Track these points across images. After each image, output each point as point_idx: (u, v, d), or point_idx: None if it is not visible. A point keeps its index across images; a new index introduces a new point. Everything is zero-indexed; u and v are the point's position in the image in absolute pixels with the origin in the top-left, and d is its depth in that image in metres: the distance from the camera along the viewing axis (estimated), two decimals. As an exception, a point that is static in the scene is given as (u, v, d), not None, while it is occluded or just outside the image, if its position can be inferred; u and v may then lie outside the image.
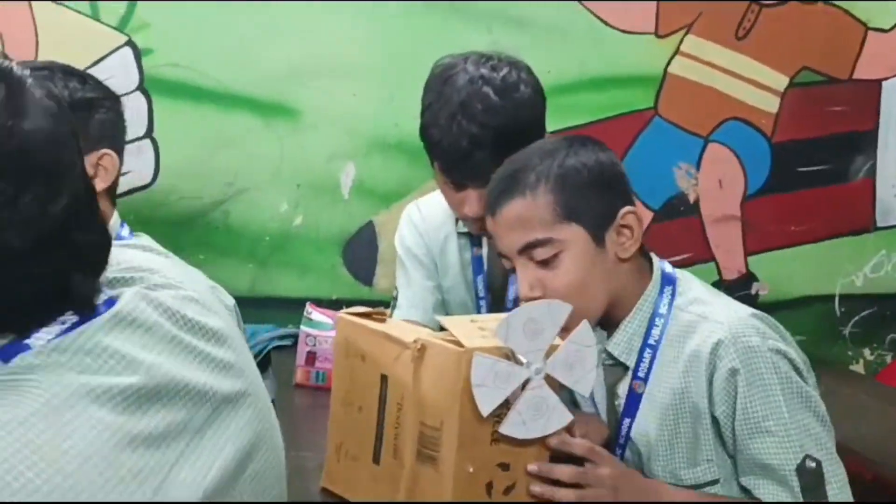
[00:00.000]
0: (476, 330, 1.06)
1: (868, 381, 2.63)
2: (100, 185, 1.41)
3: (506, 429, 1.05)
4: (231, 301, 1.43)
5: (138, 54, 2.28)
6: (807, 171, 2.58)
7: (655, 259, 1.37)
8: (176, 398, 0.75)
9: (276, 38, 2.33)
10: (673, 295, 1.32)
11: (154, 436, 0.72)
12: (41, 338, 0.71)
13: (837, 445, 1.84)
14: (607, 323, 1.34)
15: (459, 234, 1.77)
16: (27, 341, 0.71)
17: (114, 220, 1.47)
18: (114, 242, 1.04)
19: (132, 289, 0.80)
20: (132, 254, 0.87)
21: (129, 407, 0.71)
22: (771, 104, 2.54)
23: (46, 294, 0.72)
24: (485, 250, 1.74)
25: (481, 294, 1.73)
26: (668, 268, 1.36)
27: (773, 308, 2.59)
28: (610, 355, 1.33)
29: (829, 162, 2.59)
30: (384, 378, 1.06)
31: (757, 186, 2.57)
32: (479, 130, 1.49)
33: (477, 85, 1.53)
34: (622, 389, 1.33)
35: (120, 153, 1.48)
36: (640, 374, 1.31)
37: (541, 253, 1.26)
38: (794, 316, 2.61)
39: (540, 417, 1.09)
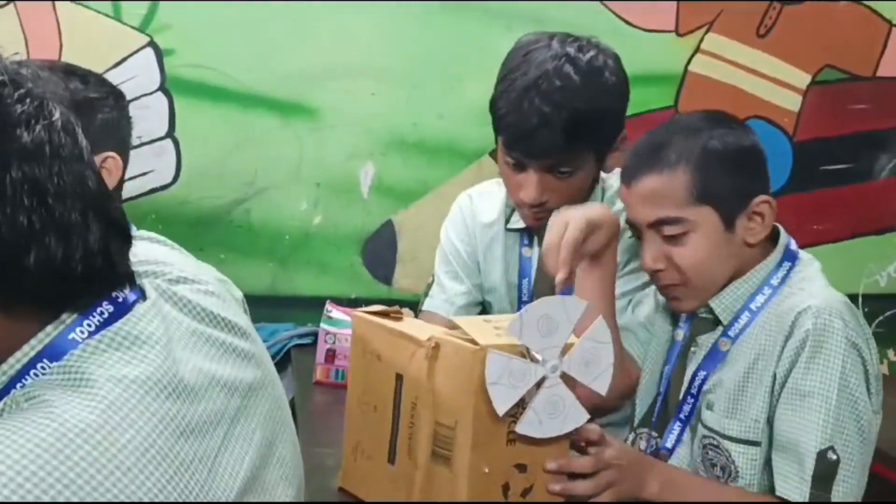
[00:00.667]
0: (491, 329, 1.05)
1: (892, 381, 2.59)
2: None
3: (522, 428, 1.04)
4: (239, 294, 1.44)
5: (160, 55, 2.29)
6: (829, 169, 2.55)
7: (783, 233, 1.38)
8: (210, 389, 0.77)
9: (295, 39, 2.33)
10: (790, 271, 1.34)
11: (199, 425, 0.74)
12: (84, 330, 0.73)
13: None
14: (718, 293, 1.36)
15: (510, 230, 1.69)
16: (71, 335, 0.73)
17: None
18: None
19: (151, 283, 0.82)
20: (146, 246, 0.90)
21: (178, 398, 0.74)
22: (793, 102, 2.52)
23: (98, 267, 0.74)
24: (535, 251, 1.65)
25: (525, 298, 1.65)
26: (794, 245, 1.39)
27: (795, 308, 2.57)
28: (710, 310, 1.35)
29: (852, 160, 2.56)
30: (399, 377, 1.05)
31: (779, 185, 2.54)
32: (552, 109, 1.42)
33: (559, 62, 1.46)
34: (705, 340, 1.35)
35: (124, 153, 1.45)
36: (731, 333, 1.33)
37: (670, 230, 1.29)
38: (817, 316, 2.58)
39: (556, 416, 1.08)
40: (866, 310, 2.61)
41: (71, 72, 1.38)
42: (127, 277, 0.78)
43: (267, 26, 2.32)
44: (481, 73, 2.39)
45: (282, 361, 2.19)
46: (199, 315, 0.84)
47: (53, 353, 0.72)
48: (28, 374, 0.71)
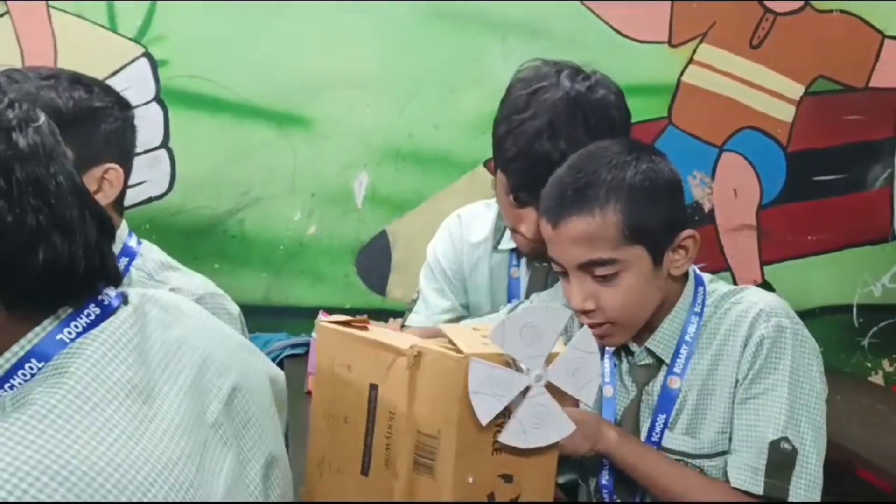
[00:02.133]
0: (478, 337, 1.04)
1: (887, 392, 2.60)
2: (104, 199, 1.35)
3: (506, 438, 1.02)
4: (236, 310, 1.43)
5: (155, 65, 2.31)
6: (823, 180, 2.56)
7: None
8: (187, 395, 0.78)
9: (290, 50, 2.35)
10: (704, 294, 1.34)
11: (180, 426, 0.74)
12: (71, 331, 0.74)
13: (857, 457, 1.82)
14: (643, 326, 1.35)
15: (500, 250, 1.67)
16: (59, 336, 0.73)
17: (121, 230, 1.43)
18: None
19: (136, 289, 0.83)
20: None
21: (156, 400, 0.74)
22: (786, 113, 2.53)
23: (96, 264, 0.77)
24: (523, 272, 1.64)
25: None
26: (696, 269, 1.38)
27: (789, 318, 2.57)
28: (650, 353, 1.34)
29: (845, 171, 2.57)
30: (374, 387, 1.04)
31: (772, 196, 2.55)
32: (560, 156, 1.36)
33: (571, 106, 1.41)
34: (655, 386, 1.34)
35: (127, 164, 1.41)
36: (676, 370, 1.32)
37: (602, 270, 1.26)
38: (812, 326, 2.54)
39: (541, 426, 1.06)
40: (861, 320, 2.62)
41: (76, 80, 1.36)
42: (115, 275, 0.80)
43: (262, 37, 2.33)
44: (477, 85, 2.42)
45: (275, 371, 2.19)
46: (185, 323, 0.85)
47: (41, 352, 0.73)
48: (16, 374, 0.72)
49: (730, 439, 1.30)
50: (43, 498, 0.62)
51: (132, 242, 1.43)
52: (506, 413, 1.03)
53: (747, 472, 1.26)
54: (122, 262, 1.38)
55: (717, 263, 2.55)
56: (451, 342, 1.02)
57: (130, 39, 2.30)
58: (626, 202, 1.24)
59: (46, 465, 0.63)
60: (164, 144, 2.32)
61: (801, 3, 2.50)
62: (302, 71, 2.35)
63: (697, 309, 1.33)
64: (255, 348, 0.99)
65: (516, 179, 1.46)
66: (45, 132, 0.76)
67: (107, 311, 0.77)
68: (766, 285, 2.57)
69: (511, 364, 1.02)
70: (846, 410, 2.07)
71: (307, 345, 2.13)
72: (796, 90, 2.52)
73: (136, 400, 0.72)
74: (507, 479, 1.07)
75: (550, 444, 1.07)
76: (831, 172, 2.56)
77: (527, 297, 1.62)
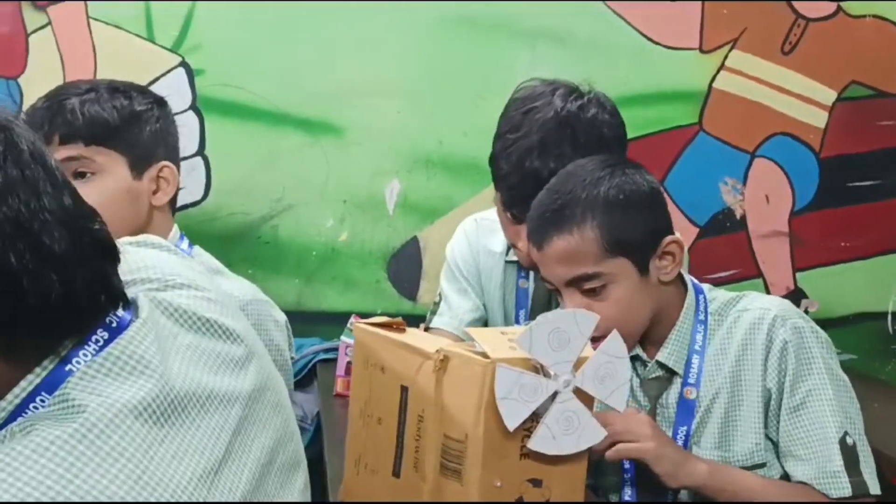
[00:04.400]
0: (505, 342, 1.05)
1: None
2: (162, 197, 1.40)
3: (534, 444, 1.02)
4: (282, 318, 1.44)
5: (191, 74, 2.35)
6: (856, 186, 2.54)
7: (683, 271, 1.39)
8: (207, 404, 0.77)
9: (322, 59, 2.37)
10: (705, 302, 1.36)
11: (197, 445, 0.73)
12: (80, 361, 0.72)
13: (891, 463, 1.81)
14: (647, 339, 1.36)
15: (508, 262, 1.71)
16: (68, 367, 0.71)
17: (173, 233, 1.46)
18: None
19: (146, 295, 0.80)
20: (134, 252, 0.86)
21: (172, 420, 0.72)
22: (819, 119, 2.51)
23: (98, 292, 0.73)
24: (531, 284, 1.68)
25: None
26: (693, 279, 1.40)
27: (823, 325, 2.53)
28: (661, 366, 1.35)
29: (879, 177, 2.54)
30: (405, 389, 1.04)
31: (805, 202, 2.53)
32: (550, 173, 1.40)
33: (561, 125, 1.44)
34: (670, 399, 1.35)
35: (176, 160, 1.44)
36: (691, 380, 1.33)
37: (589, 284, 1.29)
38: (846, 334, 2.56)
39: (571, 432, 1.06)
40: (895, 328, 2.59)
41: (115, 89, 1.40)
42: (121, 297, 0.77)
43: (295, 46, 2.36)
44: (505, 92, 2.40)
45: (307, 376, 2.21)
46: (195, 324, 0.82)
47: (51, 385, 0.70)
48: (27, 408, 0.70)
49: (777, 453, 1.30)
50: None
51: (183, 245, 1.45)
52: (534, 418, 1.04)
53: (830, 479, 1.26)
54: None
55: (749, 270, 2.54)
56: (476, 347, 1.04)
57: (167, 49, 2.34)
58: (602, 217, 1.28)
59: None
60: (200, 152, 2.36)
61: (834, 8, 2.48)
62: (333, 79, 2.38)
63: (701, 317, 1.34)
64: (259, 342, 0.99)
65: (509, 196, 1.50)
66: (27, 161, 0.70)
67: (114, 334, 0.74)
68: (798, 292, 2.56)
69: (539, 369, 1.03)
70: (881, 418, 2.05)
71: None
72: (829, 96, 2.50)
73: (146, 422, 0.70)
74: (536, 483, 1.07)
75: (581, 450, 1.08)
76: (865, 178, 2.54)
77: (533, 307, 1.65)
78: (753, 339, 1.31)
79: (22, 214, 0.69)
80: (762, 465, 1.31)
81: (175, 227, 1.47)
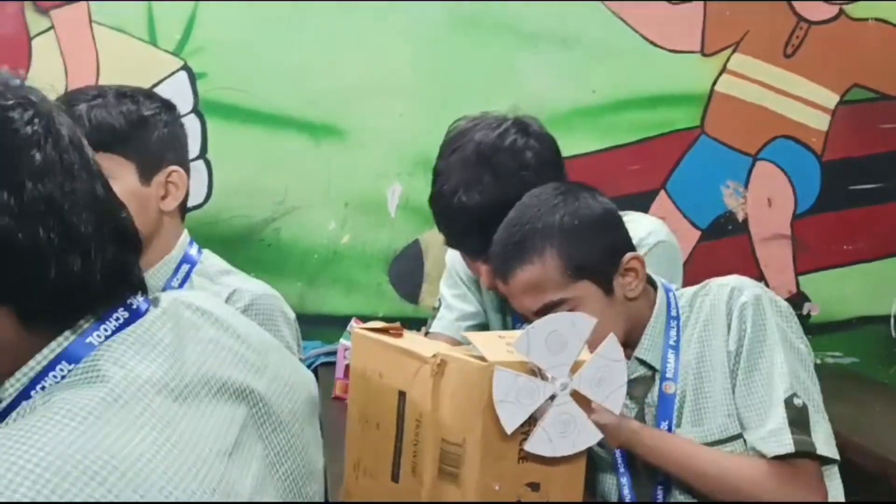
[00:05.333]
0: (503, 346, 1.05)
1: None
2: (171, 203, 1.39)
3: (531, 446, 1.03)
4: (292, 314, 1.45)
5: (193, 78, 2.35)
6: (859, 189, 2.54)
7: (650, 273, 1.42)
8: (219, 395, 0.79)
9: (324, 61, 2.38)
10: (676, 300, 1.39)
11: (209, 430, 0.75)
12: (100, 335, 0.75)
13: (893, 467, 1.81)
14: (625, 345, 1.36)
15: None
16: (88, 339, 0.75)
17: (183, 238, 1.45)
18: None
19: (168, 295, 0.84)
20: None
21: (186, 399, 0.75)
22: (821, 122, 2.51)
23: (114, 277, 0.77)
24: None
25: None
26: (662, 281, 1.43)
27: (825, 328, 2.55)
28: (641, 362, 1.37)
29: (881, 180, 2.54)
30: (402, 394, 1.05)
31: (807, 205, 2.53)
32: (475, 205, 1.45)
33: (480, 158, 1.48)
34: (653, 398, 1.36)
35: (185, 164, 1.44)
36: (669, 375, 1.35)
37: (557, 311, 1.30)
38: (848, 337, 2.56)
39: (568, 435, 1.07)
40: (898, 331, 2.59)
41: (122, 94, 1.39)
42: (140, 285, 0.80)
43: (296, 49, 2.37)
44: (509, 94, 2.43)
45: (309, 379, 2.21)
46: (217, 322, 0.85)
47: (71, 355, 0.74)
48: (47, 376, 0.73)
49: (739, 419, 1.31)
50: (75, 491, 0.63)
51: (192, 251, 1.45)
52: (531, 421, 1.04)
53: (773, 437, 1.26)
54: (184, 269, 1.42)
55: (751, 273, 2.52)
56: (476, 350, 1.04)
57: (170, 52, 2.35)
58: (560, 244, 1.31)
59: (77, 460, 0.65)
60: (202, 155, 2.37)
61: (836, 11, 2.48)
62: (335, 81, 2.39)
63: (674, 313, 1.38)
64: (287, 352, 1.01)
65: (447, 236, 1.55)
66: (66, 146, 0.75)
67: (135, 315, 0.78)
68: (800, 295, 2.55)
69: (536, 372, 1.04)
70: (884, 422, 2.05)
71: (340, 352, 2.14)
72: (831, 99, 2.50)
73: (167, 398, 0.73)
74: (534, 486, 1.08)
75: (578, 452, 1.08)
76: (867, 181, 2.54)
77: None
78: (715, 315, 1.34)
79: (55, 195, 0.73)
80: (740, 436, 1.31)
81: (185, 232, 1.47)
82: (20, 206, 0.71)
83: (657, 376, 1.36)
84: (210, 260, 1.47)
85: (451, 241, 1.57)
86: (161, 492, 0.67)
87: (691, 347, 1.35)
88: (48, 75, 2.27)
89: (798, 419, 1.26)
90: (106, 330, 0.76)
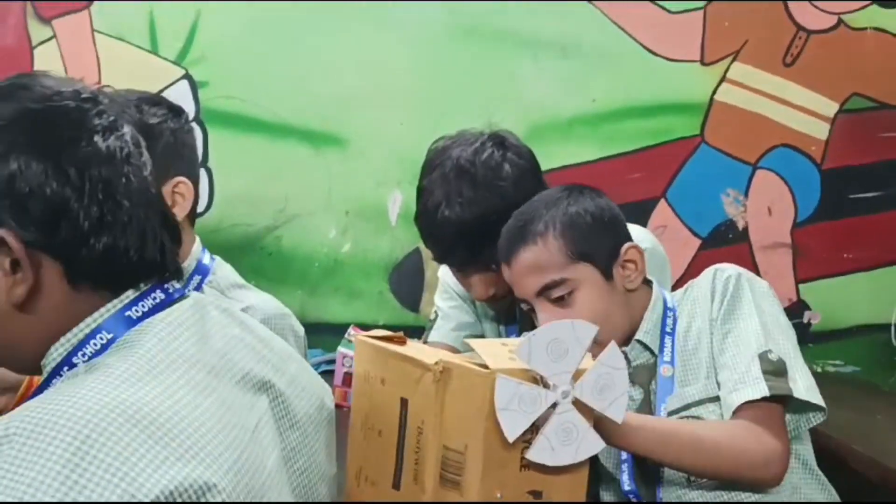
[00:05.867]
0: (505, 353, 1.05)
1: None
2: (178, 213, 1.37)
3: (533, 454, 1.03)
4: (301, 330, 1.46)
5: (195, 86, 2.36)
6: (858, 197, 2.54)
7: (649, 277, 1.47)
8: (242, 381, 0.85)
9: (325, 70, 2.39)
10: (668, 295, 1.45)
11: (235, 404, 0.82)
12: (138, 310, 0.84)
13: (892, 472, 1.81)
14: (624, 343, 1.41)
15: None
16: (127, 313, 0.83)
17: (196, 246, 1.44)
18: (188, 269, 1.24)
19: (195, 293, 0.90)
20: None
21: (216, 377, 0.82)
22: (820, 130, 2.52)
23: (153, 259, 0.86)
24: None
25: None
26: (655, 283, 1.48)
27: (826, 337, 2.55)
28: (642, 345, 1.40)
29: (881, 188, 2.54)
30: (404, 401, 1.05)
31: (807, 213, 2.54)
32: (461, 224, 1.50)
33: (460, 173, 1.53)
34: (655, 383, 1.39)
35: (194, 173, 1.42)
36: (666, 359, 1.39)
37: (557, 292, 1.36)
38: (849, 345, 2.56)
39: (570, 443, 1.06)
40: (899, 340, 2.59)
41: (151, 101, 1.38)
42: (177, 272, 0.88)
43: (298, 58, 2.38)
44: (509, 103, 2.44)
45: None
46: (238, 321, 0.92)
47: (111, 326, 0.82)
48: (88, 343, 0.81)
49: (716, 381, 1.33)
50: (112, 430, 0.70)
51: (206, 259, 1.45)
52: (533, 429, 1.04)
53: (747, 386, 1.28)
54: (195, 280, 1.41)
55: (752, 281, 2.53)
56: (478, 357, 1.04)
57: (171, 61, 2.35)
58: (562, 227, 1.37)
59: (122, 409, 0.71)
60: (203, 164, 2.37)
61: (835, 20, 2.49)
62: (336, 90, 2.39)
63: (671, 304, 1.43)
64: (305, 364, 1.02)
65: (434, 251, 1.59)
66: (128, 141, 0.85)
67: (170, 298, 0.86)
68: (801, 304, 2.55)
69: (538, 380, 1.03)
70: (885, 430, 2.05)
71: (341, 360, 2.14)
72: (831, 107, 2.51)
73: (200, 371, 0.80)
74: (536, 494, 1.07)
75: (579, 461, 1.08)
76: (867, 190, 2.54)
77: (522, 325, 1.67)
78: (701, 292, 1.40)
79: (113, 179, 0.83)
80: (715, 399, 1.33)
81: (197, 241, 1.45)
82: (81, 182, 0.80)
83: (657, 361, 1.39)
84: (222, 271, 1.47)
85: (439, 256, 1.61)
86: (193, 442, 0.73)
87: (682, 323, 1.41)
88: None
89: (773, 371, 1.28)
90: (143, 307, 0.84)
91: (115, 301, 0.83)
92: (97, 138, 0.82)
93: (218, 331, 0.87)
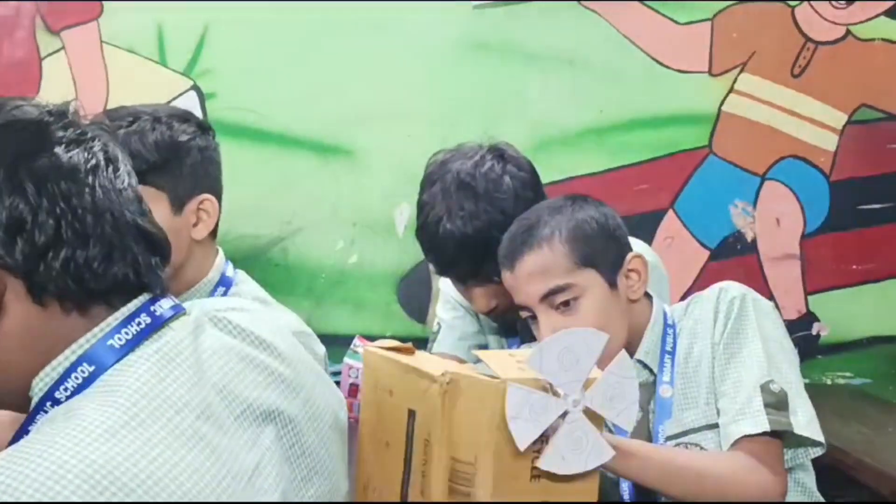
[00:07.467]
0: (514, 363, 1.04)
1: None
2: (203, 231, 1.36)
3: (543, 463, 1.02)
4: (322, 350, 1.44)
5: (203, 98, 2.37)
6: (867, 209, 2.53)
7: (649, 290, 1.46)
8: (243, 416, 0.81)
9: (333, 82, 2.39)
10: (669, 311, 1.44)
11: (230, 449, 0.77)
12: (121, 337, 0.79)
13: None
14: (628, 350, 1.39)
15: None
16: (109, 342, 0.78)
17: (219, 260, 1.43)
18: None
19: (202, 308, 0.87)
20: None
21: (209, 419, 0.77)
22: (829, 142, 2.51)
23: (123, 276, 0.81)
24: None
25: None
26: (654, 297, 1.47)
27: (835, 349, 2.54)
28: (642, 365, 1.38)
29: (890, 200, 2.54)
30: (412, 413, 1.04)
31: (816, 225, 2.53)
32: (463, 237, 1.49)
33: (461, 186, 1.53)
34: (654, 404, 1.38)
35: (218, 190, 1.41)
36: (665, 379, 1.37)
37: (561, 297, 1.34)
38: (859, 357, 2.55)
39: (580, 452, 1.06)
40: (908, 352, 2.57)
41: (157, 119, 1.32)
42: (161, 291, 0.84)
43: (306, 70, 2.38)
44: (516, 116, 2.44)
45: (316, 398, 2.21)
46: (247, 338, 0.88)
47: (92, 357, 0.78)
48: (69, 378, 0.77)
49: (716, 408, 1.32)
50: (78, 498, 0.65)
51: (229, 272, 1.44)
52: (543, 439, 1.03)
53: (747, 418, 1.27)
54: (219, 292, 1.40)
55: (760, 293, 2.50)
56: (485, 368, 1.03)
57: (179, 73, 2.36)
58: (570, 234, 1.35)
59: (88, 475, 0.67)
60: (211, 175, 2.37)
61: (843, 31, 2.49)
62: (344, 102, 2.40)
63: (670, 321, 1.41)
64: (324, 374, 1.00)
65: (436, 264, 1.59)
66: (96, 153, 0.82)
67: (158, 321, 0.81)
68: (810, 315, 2.54)
69: (548, 389, 1.03)
70: (892, 445, 2.03)
71: (348, 372, 2.14)
72: (839, 119, 2.51)
73: (189, 415, 0.75)
74: (547, 504, 1.07)
75: (590, 469, 1.07)
76: (875, 201, 2.54)
77: (523, 337, 1.65)
78: (704, 312, 1.38)
79: (74, 193, 0.79)
80: (714, 426, 1.32)
81: (220, 254, 1.44)
82: (38, 195, 0.77)
83: (656, 381, 1.38)
84: (245, 286, 1.46)
85: (441, 270, 1.60)
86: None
87: (682, 348, 1.39)
88: (58, 95, 2.27)
89: (775, 403, 1.27)
90: (127, 333, 0.79)
91: (96, 330, 0.79)
92: (59, 150, 0.79)
93: (216, 361, 0.82)
